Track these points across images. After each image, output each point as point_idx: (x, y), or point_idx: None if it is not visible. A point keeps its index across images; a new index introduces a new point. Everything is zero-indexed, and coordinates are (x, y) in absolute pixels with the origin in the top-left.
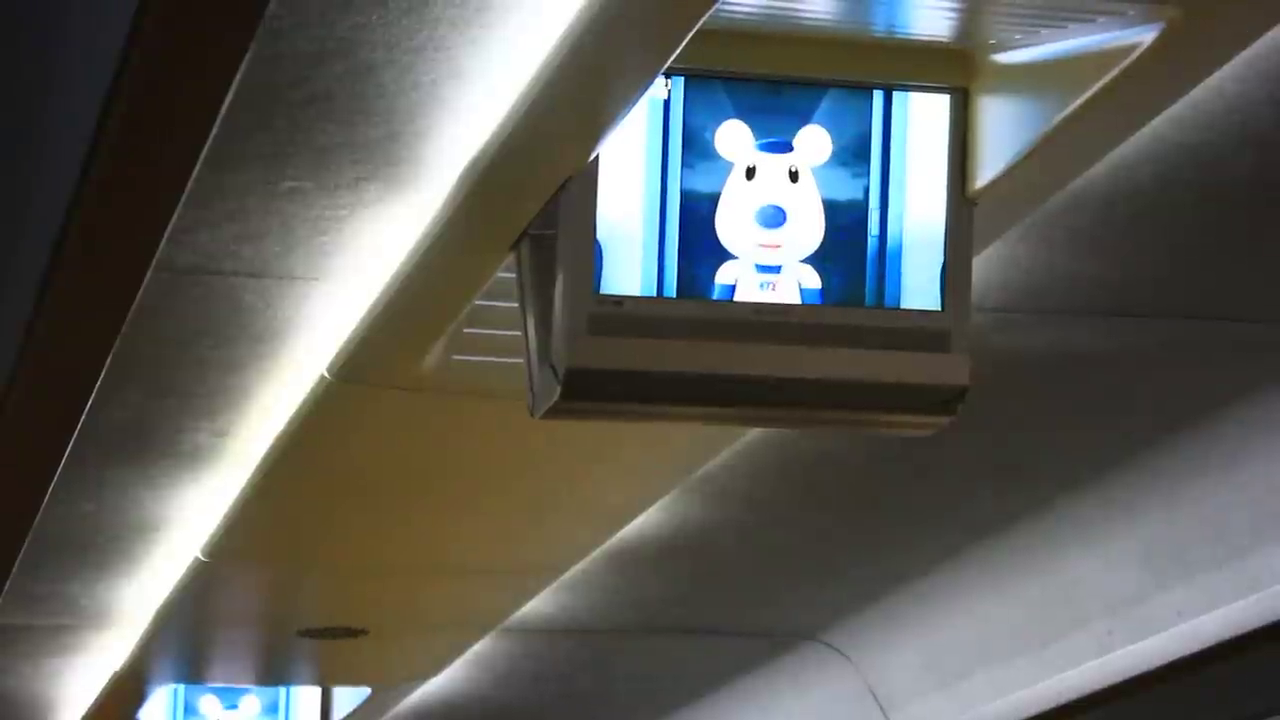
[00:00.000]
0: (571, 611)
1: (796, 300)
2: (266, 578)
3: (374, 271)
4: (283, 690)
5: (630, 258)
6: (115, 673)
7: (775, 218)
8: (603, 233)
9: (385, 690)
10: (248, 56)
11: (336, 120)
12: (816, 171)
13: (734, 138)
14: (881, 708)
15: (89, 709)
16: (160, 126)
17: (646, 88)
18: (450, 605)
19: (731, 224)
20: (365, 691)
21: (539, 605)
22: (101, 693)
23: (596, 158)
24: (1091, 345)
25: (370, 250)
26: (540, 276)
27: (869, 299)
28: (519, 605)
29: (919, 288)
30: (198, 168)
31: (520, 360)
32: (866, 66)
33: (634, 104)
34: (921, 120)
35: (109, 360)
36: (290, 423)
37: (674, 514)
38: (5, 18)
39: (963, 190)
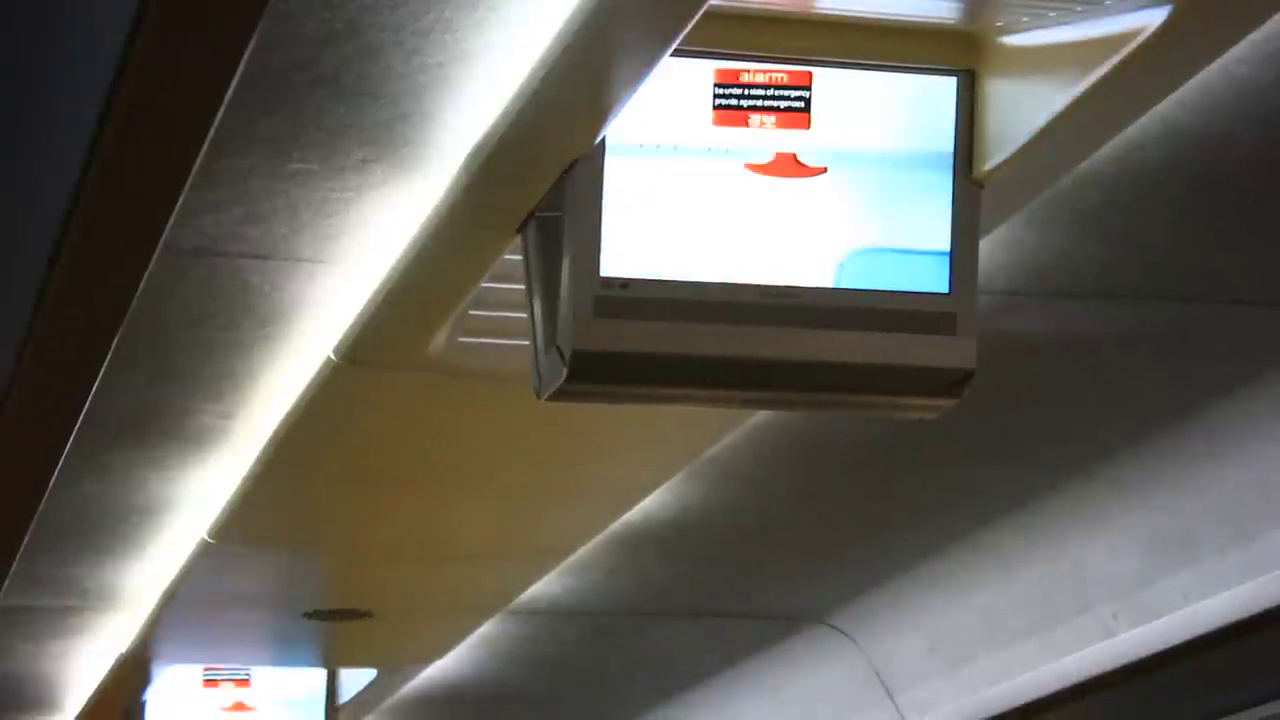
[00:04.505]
0: (577, 594)
1: (803, 283)
2: (272, 560)
3: (380, 253)
4: (289, 671)
5: None
6: (121, 655)
7: None
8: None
9: (391, 672)
10: (254, 38)
11: (343, 102)
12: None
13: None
14: (887, 690)
15: (95, 691)
16: (166, 108)
17: (652, 69)
18: (456, 587)
19: None
20: (371, 673)
21: (545, 588)
22: (108, 675)
23: (603, 139)
24: (1097, 328)
25: (377, 232)
26: (546, 259)
27: (875, 282)
28: (525, 588)
29: (925, 271)
30: (204, 150)
31: (526, 342)
32: (873, 48)
33: (640, 86)
34: (929, 102)
35: (115, 343)
36: (296, 405)
37: (679, 496)
38: None
39: (969, 173)
